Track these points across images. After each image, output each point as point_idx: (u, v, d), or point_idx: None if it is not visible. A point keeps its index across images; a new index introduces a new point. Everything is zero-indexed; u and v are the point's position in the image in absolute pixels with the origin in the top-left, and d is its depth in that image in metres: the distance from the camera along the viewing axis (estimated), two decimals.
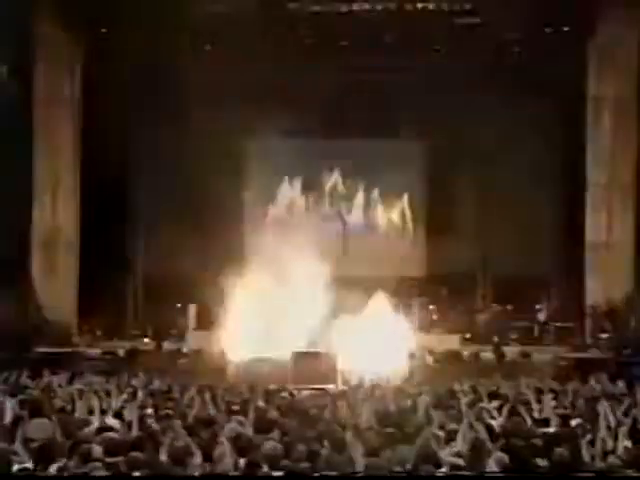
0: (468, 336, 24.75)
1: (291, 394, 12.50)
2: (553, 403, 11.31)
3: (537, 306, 25.89)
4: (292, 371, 18.33)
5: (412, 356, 20.57)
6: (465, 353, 21.65)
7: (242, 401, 11.09)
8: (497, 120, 25.59)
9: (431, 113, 25.53)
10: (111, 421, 9.27)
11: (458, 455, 7.87)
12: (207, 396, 11.17)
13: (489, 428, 8.87)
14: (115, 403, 10.43)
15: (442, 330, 25.32)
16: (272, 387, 12.60)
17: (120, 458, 7.30)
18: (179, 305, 27.37)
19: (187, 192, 26.00)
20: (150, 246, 26.95)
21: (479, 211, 27.17)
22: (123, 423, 9.24)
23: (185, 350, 22.97)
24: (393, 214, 28.22)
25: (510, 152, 25.68)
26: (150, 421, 9.24)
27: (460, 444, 8.14)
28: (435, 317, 26.39)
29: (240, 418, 9.40)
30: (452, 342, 23.84)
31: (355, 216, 28.31)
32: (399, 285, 24.60)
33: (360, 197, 28.03)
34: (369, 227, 28.16)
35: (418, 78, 25.02)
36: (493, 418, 9.85)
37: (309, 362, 18.48)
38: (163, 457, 7.67)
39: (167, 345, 23.51)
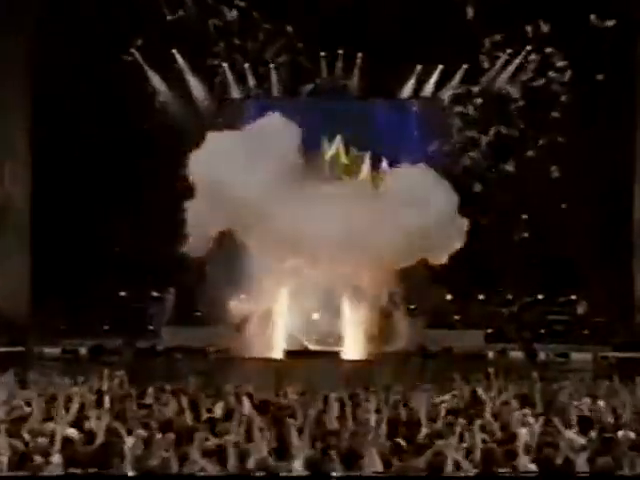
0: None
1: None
2: (593, 409, 11.25)
3: (573, 296, 26.27)
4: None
5: (431, 356, 20.67)
6: (490, 352, 21.75)
7: (227, 409, 11.02)
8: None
9: None
10: (69, 431, 9.18)
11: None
12: (185, 401, 11.08)
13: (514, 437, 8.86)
14: (75, 410, 10.35)
15: (463, 325, 25.51)
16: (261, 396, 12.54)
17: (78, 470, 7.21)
18: (155, 294, 27.54)
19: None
20: (122, 225, 27.06)
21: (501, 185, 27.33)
22: (84, 433, 9.17)
23: (160, 348, 23.05)
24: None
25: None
26: (118, 431, 9.14)
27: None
28: (455, 309, 26.55)
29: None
30: (474, 339, 23.93)
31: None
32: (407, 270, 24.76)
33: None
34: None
35: None
36: (525, 426, 9.81)
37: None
38: (131, 473, 7.65)
39: (140, 342, 23.71)
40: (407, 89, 28.67)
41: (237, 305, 22.28)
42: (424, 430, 9.68)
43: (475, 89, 28.15)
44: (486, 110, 28.09)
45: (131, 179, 27.08)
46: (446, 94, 28.35)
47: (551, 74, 27.12)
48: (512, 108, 27.81)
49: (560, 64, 26.93)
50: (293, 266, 21.03)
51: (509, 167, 27.66)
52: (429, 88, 28.58)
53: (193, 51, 28.37)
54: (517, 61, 27.58)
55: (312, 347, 22.02)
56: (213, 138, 20.80)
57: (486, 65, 27.85)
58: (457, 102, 28.40)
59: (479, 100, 28.10)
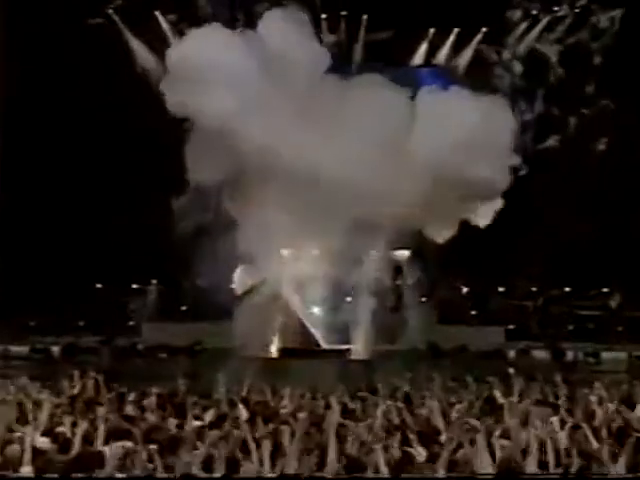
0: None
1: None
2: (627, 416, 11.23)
3: (606, 289, 26.33)
4: None
5: (444, 354, 20.74)
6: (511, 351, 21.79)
7: (218, 415, 11.02)
8: None
9: None
10: (40, 440, 9.16)
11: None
12: (171, 407, 11.06)
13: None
14: (46, 415, 10.33)
15: (481, 320, 25.54)
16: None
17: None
18: (136, 286, 27.57)
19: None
20: (97, 212, 27.05)
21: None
22: (57, 442, 9.15)
23: (141, 346, 23.08)
24: None
25: None
26: (97, 441, 9.14)
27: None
28: (471, 302, 26.62)
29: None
30: (493, 336, 23.96)
31: None
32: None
33: None
34: None
35: None
36: (550, 435, 9.78)
37: None
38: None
39: (120, 340, 23.77)
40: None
41: (241, 276, 22.65)
42: (439, 438, 9.69)
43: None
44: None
45: (106, 163, 27.09)
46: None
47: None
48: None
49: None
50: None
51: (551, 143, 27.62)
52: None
53: (178, 13, 28.30)
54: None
55: (325, 345, 22.33)
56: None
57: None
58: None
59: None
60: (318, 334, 22.58)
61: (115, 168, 27.27)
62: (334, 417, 10.10)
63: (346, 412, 11.07)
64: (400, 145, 20.88)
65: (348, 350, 21.87)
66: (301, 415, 9.84)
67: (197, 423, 10.62)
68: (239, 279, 22.89)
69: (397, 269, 28.83)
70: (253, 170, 21.50)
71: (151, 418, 10.79)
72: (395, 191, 20.66)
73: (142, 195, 26.96)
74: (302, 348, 21.52)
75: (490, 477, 8.13)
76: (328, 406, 11.58)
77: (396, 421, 10.53)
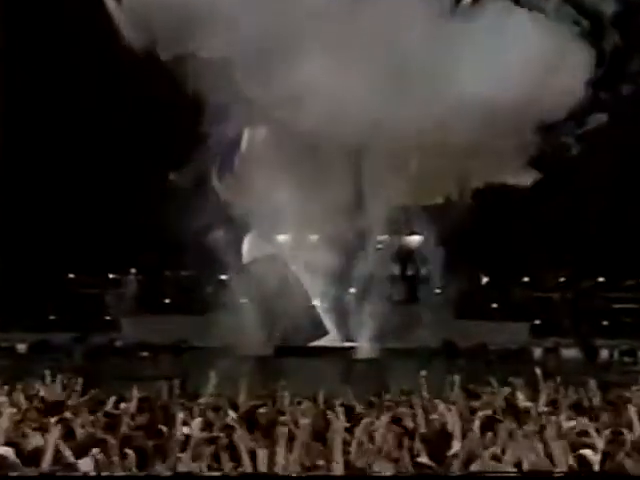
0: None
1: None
2: None
3: None
4: None
5: (461, 354, 20.74)
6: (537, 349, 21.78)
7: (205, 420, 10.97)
8: None
9: None
10: (1, 449, 9.09)
11: None
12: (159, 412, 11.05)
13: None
14: (7, 423, 10.28)
15: (503, 315, 25.54)
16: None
17: None
18: (113, 276, 27.63)
19: None
20: (70, 194, 27.06)
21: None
22: (22, 453, 9.09)
23: (120, 344, 23.11)
24: None
25: None
26: (68, 453, 9.08)
27: None
28: (492, 294, 26.62)
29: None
30: (517, 332, 23.95)
31: None
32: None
33: None
34: None
35: None
36: (587, 447, 9.71)
37: None
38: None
39: (95, 337, 23.80)
40: None
41: (251, 244, 22.81)
42: (454, 447, 9.65)
43: None
44: None
45: (78, 144, 27.13)
46: None
47: None
48: None
49: None
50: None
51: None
52: None
53: None
54: None
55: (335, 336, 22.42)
56: None
57: None
58: None
59: None
60: (329, 322, 22.58)
61: (89, 149, 27.29)
62: (339, 426, 10.03)
63: (351, 419, 10.99)
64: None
65: (353, 348, 21.82)
66: (303, 422, 9.77)
67: (184, 430, 10.57)
68: (248, 247, 23.04)
69: (408, 257, 28.85)
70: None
71: (131, 425, 10.73)
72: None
73: (119, 175, 26.98)
74: (302, 346, 21.37)
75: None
76: (332, 411, 11.50)
77: (408, 427, 10.45)
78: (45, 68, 27.49)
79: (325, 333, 22.39)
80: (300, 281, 22.86)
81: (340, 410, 10.90)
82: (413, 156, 23.16)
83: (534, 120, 22.53)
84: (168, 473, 8.47)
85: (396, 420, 10.93)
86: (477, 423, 10.61)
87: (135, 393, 12.82)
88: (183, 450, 9.37)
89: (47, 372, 13.62)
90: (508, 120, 21.29)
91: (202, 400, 12.90)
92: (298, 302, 22.81)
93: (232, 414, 11.63)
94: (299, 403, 12.44)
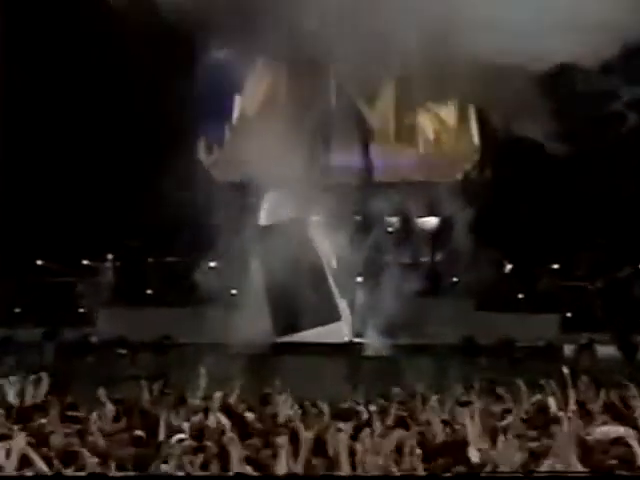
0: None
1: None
2: None
3: None
4: None
5: (483, 350, 20.76)
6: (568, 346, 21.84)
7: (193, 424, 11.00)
8: None
9: None
10: None
11: None
12: (135, 418, 11.05)
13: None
14: None
15: (530, 306, 25.55)
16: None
17: None
18: (88, 263, 27.65)
19: None
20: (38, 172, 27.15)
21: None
22: None
23: (95, 340, 23.15)
24: None
25: None
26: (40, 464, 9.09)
27: None
28: (518, 283, 26.65)
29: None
30: (546, 326, 23.97)
31: None
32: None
33: None
34: None
35: None
36: (624, 456, 9.70)
37: None
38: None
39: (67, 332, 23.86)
40: None
41: (271, 204, 22.82)
42: (473, 456, 9.66)
43: None
44: None
45: (52, 117, 27.29)
46: None
47: None
48: None
49: None
50: None
51: None
52: None
53: None
54: None
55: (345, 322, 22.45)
56: None
57: None
58: None
59: None
60: (343, 306, 22.56)
61: (63, 124, 27.40)
62: (344, 442, 10.06)
63: (358, 426, 11.00)
64: None
65: (360, 345, 21.86)
66: (306, 436, 9.78)
67: (169, 437, 10.60)
68: (269, 207, 23.04)
69: (422, 241, 28.85)
70: None
71: (109, 431, 10.74)
72: None
73: (95, 150, 27.06)
74: (303, 342, 21.42)
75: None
76: (337, 416, 11.52)
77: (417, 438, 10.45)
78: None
79: (337, 318, 22.34)
80: (319, 255, 22.82)
81: (346, 428, 10.96)
82: None
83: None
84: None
85: (404, 426, 10.97)
86: (501, 431, 10.61)
87: (112, 396, 12.84)
88: (165, 460, 9.40)
89: (12, 372, 13.62)
90: None
91: (190, 403, 12.92)
92: (315, 278, 22.76)
93: (224, 419, 11.65)
94: (302, 408, 12.47)
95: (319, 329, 22.01)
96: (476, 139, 30.40)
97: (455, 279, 26.64)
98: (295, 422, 11.26)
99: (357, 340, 21.98)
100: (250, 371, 19.08)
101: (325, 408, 12.48)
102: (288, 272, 22.31)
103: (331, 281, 22.75)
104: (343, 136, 30.10)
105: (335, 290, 22.68)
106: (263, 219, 23.10)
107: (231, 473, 8.66)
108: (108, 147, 27.39)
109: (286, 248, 22.21)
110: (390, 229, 29.23)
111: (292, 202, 22.99)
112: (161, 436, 10.59)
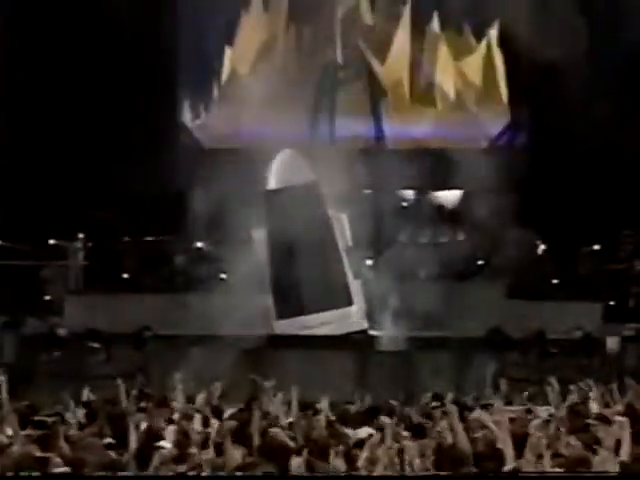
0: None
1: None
2: None
3: None
4: None
5: (512, 344, 20.78)
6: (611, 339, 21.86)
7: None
8: None
9: None
10: None
11: None
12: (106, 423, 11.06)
13: None
14: None
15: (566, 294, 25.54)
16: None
17: None
18: (54, 242, 27.62)
19: None
20: None
21: None
22: None
23: (63, 332, 23.14)
24: None
25: None
26: None
27: None
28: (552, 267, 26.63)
29: None
30: (585, 317, 23.95)
31: None
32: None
33: None
34: None
35: None
36: None
37: None
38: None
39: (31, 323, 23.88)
40: None
41: (282, 165, 22.67)
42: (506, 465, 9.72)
43: None
44: None
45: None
46: None
47: None
48: None
49: None
50: None
51: None
52: None
53: None
54: None
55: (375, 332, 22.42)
56: None
57: None
58: None
59: None
60: (356, 290, 22.48)
61: (28, 84, 27.48)
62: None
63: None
64: None
65: (373, 338, 21.83)
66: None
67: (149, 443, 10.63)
68: (279, 168, 22.84)
69: (441, 218, 28.83)
70: None
71: (78, 437, 10.77)
72: None
73: (63, 111, 27.09)
74: (305, 335, 21.43)
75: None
76: (343, 421, 11.60)
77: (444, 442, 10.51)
78: None
79: (348, 303, 22.27)
80: (333, 228, 22.69)
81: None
82: None
83: None
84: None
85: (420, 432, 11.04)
86: (534, 437, 10.61)
87: (84, 395, 12.88)
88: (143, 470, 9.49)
89: None
90: None
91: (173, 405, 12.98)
92: (326, 255, 22.66)
93: (214, 423, 11.73)
94: (304, 408, 12.52)
95: (326, 314, 21.87)
96: (506, 98, 30.31)
97: (480, 262, 26.58)
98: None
99: (367, 331, 21.86)
100: (243, 367, 19.09)
101: (327, 411, 12.52)
102: (296, 245, 22.20)
103: (345, 260, 22.56)
104: (350, 95, 30.02)
105: (349, 271, 22.50)
106: (270, 183, 22.86)
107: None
108: (77, 107, 27.37)
109: (296, 217, 22.08)
110: (405, 204, 29.21)
111: (299, 168, 22.82)
112: (136, 443, 10.68)
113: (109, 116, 27.87)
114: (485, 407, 13.65)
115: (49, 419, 11.56)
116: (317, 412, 12.56)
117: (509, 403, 14.21)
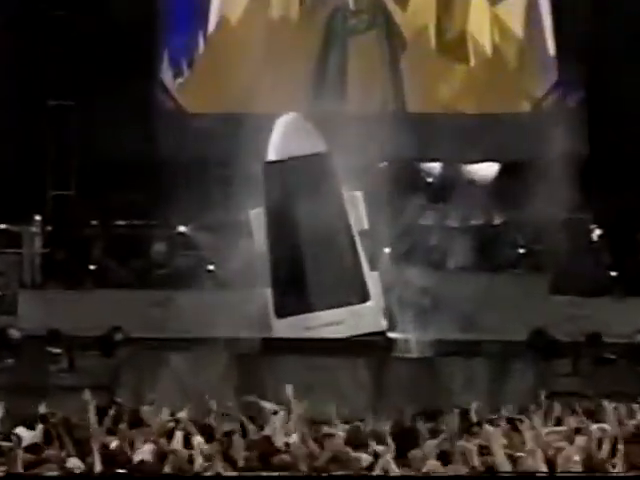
0: None
1: None
2: None
3: None
4: None
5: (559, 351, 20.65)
6: None
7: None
8: None
9: None
10: None
11: None
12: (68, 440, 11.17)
13: None
14: None
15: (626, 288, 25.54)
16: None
17: None
18: (4, 226, 27.66)
19: None
20: None
21: None
22: None
23: (15, 334, 23.14)
24: None
25: None
26: None
27: None
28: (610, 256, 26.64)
29: None
30: None
31: None
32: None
33: None
34: None
35: None
36: None
37: None
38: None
39: None
40: None
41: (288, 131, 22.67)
42: None
43: None
44: None
45: None
46: None
47: None
48: None
49: None
50: None
51: None
52: None
53: None
54: None
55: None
56: None
57: None
58: None
59: None
60: (374, 283, 22.48)
61: None
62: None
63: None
64: None
65: (392, 341, 21.85)
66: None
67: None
68: (280, 136, 22.72)
69: (475, 197, 28.81)
70: None
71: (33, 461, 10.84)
72: None
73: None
74: (305, 337, 21.44)
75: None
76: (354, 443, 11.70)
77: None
78: None
79: (364, 299, 22.27)
80: (345, 208, 22.62)
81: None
82: None
83: None
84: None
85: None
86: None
87: (40, 410, 12.95)
88: None
89: None
90: None
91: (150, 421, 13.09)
92: (337, 240, 22.62)
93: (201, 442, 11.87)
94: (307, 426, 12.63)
95: (336, 311, 21.84)
96: (553, 51, 30.20)
97: (521, 250, 26.59)
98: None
99: (386, 333, 21.87)
100: (235, 377, 19.19)
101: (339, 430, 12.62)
102: (301, 229, 22.18)
103: (360, 247, 22.50)
104: (363, 48, 29.95)
105: (364, 260, 22.43)
106: (270, 154, 22.73)
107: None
108: (33, 60, 27.36)
109: (301, 195, 22.07)
110: (429, 179, 29.19)
111: (305, 136, 22.74)
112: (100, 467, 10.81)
113: (71, 71, 27.84)
114: (511, 422, 13.75)
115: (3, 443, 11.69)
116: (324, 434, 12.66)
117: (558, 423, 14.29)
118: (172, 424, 13.13)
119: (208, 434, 12.56)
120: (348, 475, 10.39)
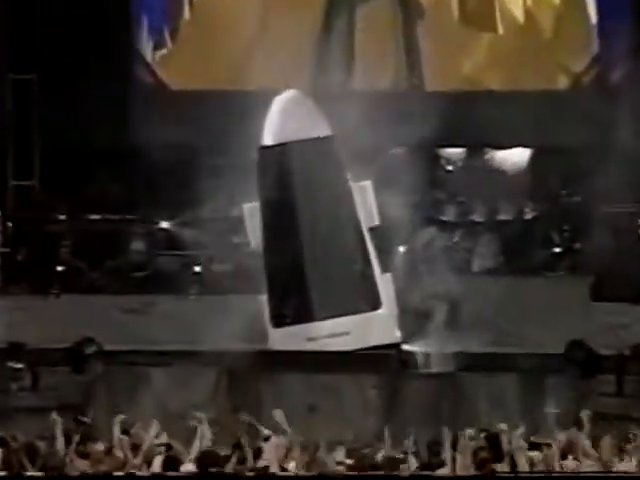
0: None
1: None
2: None
3: None
4: None
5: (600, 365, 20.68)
6: None
7: None
8: None
9: None
10: None
11: None
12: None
13: None
14: None
15: None
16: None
17: None
18: None
19: None
20: None
21: None
22: None
23: None
24: None
25: None
26: None
27: None
28: None
29: None
30: None
31: None
32: None
33: None
34: None
35: None
36: None
37: None
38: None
39: None
40: None
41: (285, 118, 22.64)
42: None
43: None
44: None
45: None
46: None
47: None
48: None
49: None
50: None
51: None
52: None
53: None
54: None
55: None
56: None
57: None
58: None
59: None
60: (386, 286, 22.43)
61: None
62: None
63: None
64: None
65: (407, 354, 21.80)
66: None
67: None
68: (278, 117, 22.60)
69: (503, 187, 28.84)
70: None
71: None
72: None
73: None
74: (306, 350, 21.42)
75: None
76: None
77: None
78: None
79: (375, 306, 22.26)
80: (353, 199, 22.55)
81: None
82: None
83: None
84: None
85: None
86: None
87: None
88: None
89: None
90: None
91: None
92: (344, 238, 22.55)
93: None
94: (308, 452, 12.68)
95: (342, 320, 21.79)
96: (594, 19, 30.19)
97: (557, 250, 26.59)
98: None
99: (400, 345, 21.84)
100: (226, 394, 19.21)
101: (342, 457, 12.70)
102: (302, 224, 22.13)
103: (370, 245, 22.46)
104: (373, 16, 29.93)
105: (375, 260, 22.36)
106: (266, 138, 22.62)
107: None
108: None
109: (302, 184, 22.02)
110: (450, 167, 29.20)
111: (307, 117, 22.66)
112: None
113: (33, 42, 27.92)
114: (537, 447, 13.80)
115: None
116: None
117: None
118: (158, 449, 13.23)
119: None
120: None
